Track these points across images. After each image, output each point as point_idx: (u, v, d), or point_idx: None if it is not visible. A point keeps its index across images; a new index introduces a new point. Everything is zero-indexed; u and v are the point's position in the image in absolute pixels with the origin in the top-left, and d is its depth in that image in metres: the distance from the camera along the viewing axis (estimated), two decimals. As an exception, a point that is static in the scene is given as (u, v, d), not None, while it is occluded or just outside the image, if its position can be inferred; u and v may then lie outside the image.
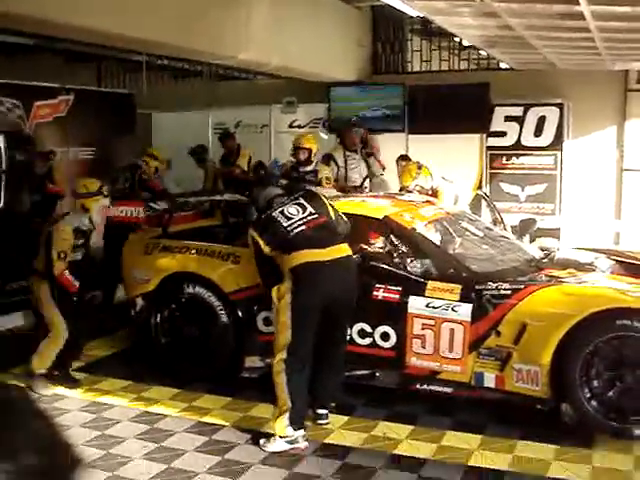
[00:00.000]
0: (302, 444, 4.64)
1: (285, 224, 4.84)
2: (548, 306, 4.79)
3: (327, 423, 4.98)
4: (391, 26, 11.42)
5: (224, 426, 4.99)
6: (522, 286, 4.98)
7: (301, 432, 4.67)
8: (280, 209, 4.92)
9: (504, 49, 8.44)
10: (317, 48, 9.46)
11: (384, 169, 9.60)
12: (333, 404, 5.10)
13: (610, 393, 4.66)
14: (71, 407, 5.30)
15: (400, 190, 8.09)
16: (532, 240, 8.21)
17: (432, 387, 5.18)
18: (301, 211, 4.92)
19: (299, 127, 11.61)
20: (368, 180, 9.40)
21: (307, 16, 9.07)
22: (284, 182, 7.71)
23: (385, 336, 5.26)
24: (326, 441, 4.75)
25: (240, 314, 5.65)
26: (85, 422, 5.04)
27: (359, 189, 9.06)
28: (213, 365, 5.74)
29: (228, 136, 10.60)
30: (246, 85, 12.52)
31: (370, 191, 8.97)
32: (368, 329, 5.30)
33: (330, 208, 5.06)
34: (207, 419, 5.11)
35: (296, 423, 4.65)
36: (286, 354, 4.68)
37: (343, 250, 4.94)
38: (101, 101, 9.38)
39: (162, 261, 6.03)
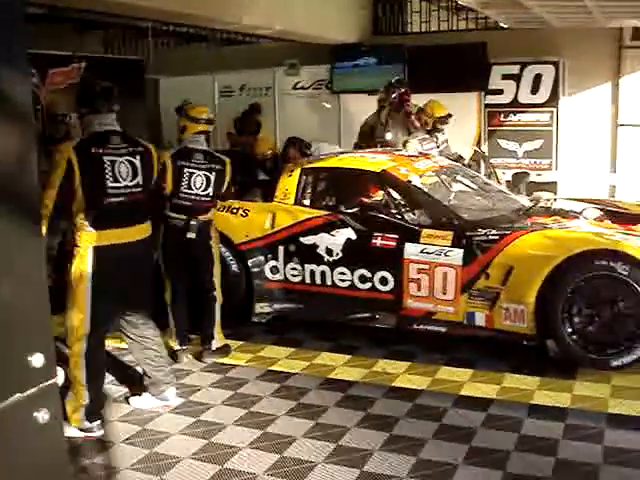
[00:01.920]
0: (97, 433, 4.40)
1: None
2: (532, 249, 5.18)
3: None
4: (390, -12, 11.65)
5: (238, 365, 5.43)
6: (509, 232, 5.37)
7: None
8: None
9: (498, 9, 8.72)
10: (318, 11, 9.70)
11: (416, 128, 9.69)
12: None
13: (590, 328, 5.06)
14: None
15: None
16: (529, 193, 8.57)
17: (428, 327, 5.60)
18: None
19: (303, 89, 11.94)
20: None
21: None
22: None
23: (383, 280, 5.66)
24: (330, 376, 5.18)
25: (249, 263, 6.06)
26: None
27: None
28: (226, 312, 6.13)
29: (258, 109, 10.67)
30: (250, 49, 12.79)
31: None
32: (368, 274, 5.71)
33: None
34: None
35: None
36: None
37: None
38: (111, 67, 9.68)
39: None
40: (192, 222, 5.38)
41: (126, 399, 4.83)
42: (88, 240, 4.23)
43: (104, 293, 4.26)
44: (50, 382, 1.80)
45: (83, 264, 4.22)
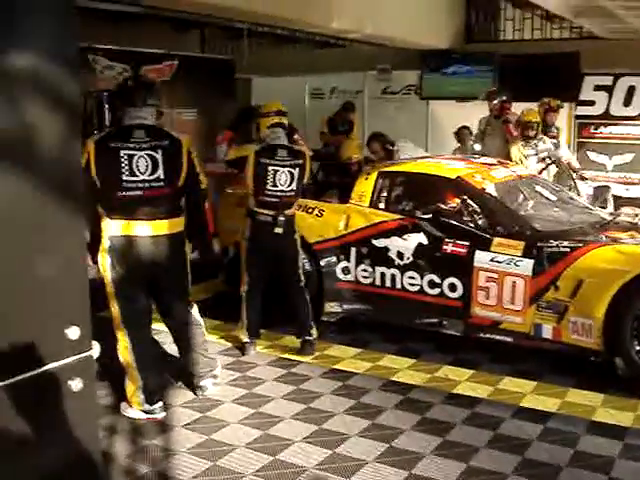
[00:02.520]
0: (159, 415, 4.55)
1: None
2: (603, 263, 5.10)
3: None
4: (485, -6, 11.59)
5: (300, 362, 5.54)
6: (581, 244, 5.29)
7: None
8: None
9: (591, 18, 8.59)
10: (409, 16, 9.72)
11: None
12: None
13: (659, 347, 4.95)
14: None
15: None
16: (616, 208, 8.42)
17: (494, 336, 5.58)
18: None
19: (392, 93, 12.01)
20: None
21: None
22: None
23: (452, 287, 5.68)
24: (392, 378, 5.22)
25: (322, 263, 6.16)
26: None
27: None
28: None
29: (352, 107, 10.72)
30: (342, 52, 12.88)
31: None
32: (437, 280, 5.73)
33: None
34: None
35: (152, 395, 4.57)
36: None
37: None
38: (203, 66, 9.95)
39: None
40: (280, 218, 5.50)
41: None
42: (106, 230, 4.35)
43: (126, 283, 4.37)
44: (85, 354, 1.94)
45: (103, 254, 4.36)
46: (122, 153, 4.27)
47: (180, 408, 4.69)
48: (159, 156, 4.36)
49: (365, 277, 6.09)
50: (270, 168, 5.50)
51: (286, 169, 5.52)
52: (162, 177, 4.37)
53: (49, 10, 1.88)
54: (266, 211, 5.53)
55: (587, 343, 5.16)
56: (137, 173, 4.30)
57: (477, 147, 9.14)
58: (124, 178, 4.28)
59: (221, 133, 5.80)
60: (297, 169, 5.57)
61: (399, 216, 6.06)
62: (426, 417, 4.59)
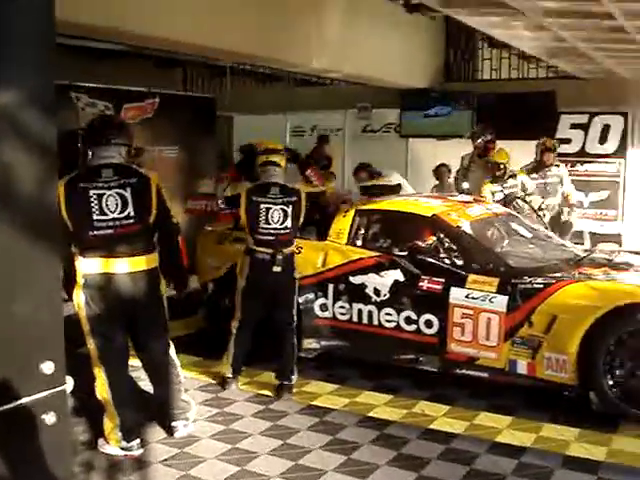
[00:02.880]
0: (137, 452, 4.56)
1: None
2: (576, 299, 5.20)
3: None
4: (463, 35, 11.79)
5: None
6: (554, 281, 5.40)
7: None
8: None
9: (565, 59, 8.79)
10: (388, 56, 9.89)
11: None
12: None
13: (631, 382, 5.02)
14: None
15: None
16: (593, 244, 8.57)
17: (470, 372, 5.64)
18: None
19: (372, 131, 12.17)
20: None
21: (379, 25, 9.45)
22: None
23: (429, 323, 5.75)
24: (369, 414, 5.25)
25: (300, 300, 6.21)
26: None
27: None
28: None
29: (327, 140, 10.99)
30: (322, 90, 13.07)
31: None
32: (413, 316, 5.80)
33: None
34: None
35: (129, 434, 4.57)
36: None
37: None
38: (184, 104, 10.04)
39: (232, 250, 6.61)
40: (278, 256, 5.53)
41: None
42: (80, 268, 4.37)
43: (102, 321, 4.39)
44: (59, 389, 1.99)
45: (77, 292, 4.38)
46: (91, 193, 4.31)
47: (158, 444, 4.70)
48: (128, 194, 4.40)
49: (342, 314, 6.15)
50: (262, 206, 5.54)
51: (279, 207, 5.56)
52: (132, 214, 4.40)
53: (27, 46, 1.94)
54: (264, 249, 5.55)
55: (561, 378, 5.24)
56: (107, 212, 4.34)
57: (465, 185, 9.30)
58: (94, 218, 4.32)
59: (225, 171, 5.88)
60: (290, 207, 5.60)
61: (376, 253, 6.14)
62: (402, 453, 4.63)
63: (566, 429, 4.98)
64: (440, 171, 10.03)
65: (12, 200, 1.91)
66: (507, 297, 5.43)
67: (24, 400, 1.91)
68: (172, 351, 4.80)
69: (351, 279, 6.09)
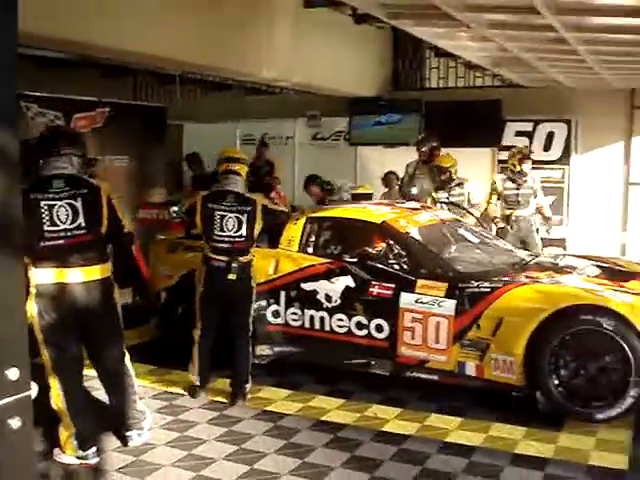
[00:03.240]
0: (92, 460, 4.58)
1: None
2: (522, 302, 5.36)
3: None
4: (411, 44, 11.94)
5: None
6: (500, 285, 5.55)
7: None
8: None
9: (510, 68, 8.99)
10: (338, 66, 9.99)
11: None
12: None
13: (576, 381, 5.19)
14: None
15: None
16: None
17: (421, 375, 5.77)
18: None
19: (322, 139, 12.29)
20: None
21: (329, 35, 9.55)
22: None
23: (379, 328, 5.86)
24: (322, 418, 5.34)
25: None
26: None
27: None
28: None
29: (266, 145, 11.21)
30: (272, 99, 13.13)
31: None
32: (364, 321, 5.91)
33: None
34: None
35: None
36: None
37: None
38: (134, 113, 10.02)
39: (184, 259, 6.67)
40: (233, 264, 5.56)
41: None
42: (32, 278, 4.36)
43: (56, 331, 4.39)
44: (24, 394, 2.04)
45: (30, 302, 4.35)
46: (42, 204, 4.33)
47: (114, 452, 4.73)
48: (79, 204, 4.42)
49: (295, 320, 6.22)
50: (217, 213, 5.59)
51: (233, 214, 5.59)
52: (83, 225, 4.42)
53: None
54: (220, 257, 5.59)
55: (509, 379, 5.39)
56: (58, 223, 4.35)
57: (414, 191, 9.47)
58: (45, 228, 4.33)
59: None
60: (245, 215, 5.62)
61: (327, 260, 6.23)
62: (356, 455, 4.73)
63: (514, 428, 5.13)
64: (388, 178, 10.20)
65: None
66: (455, 301, 5.57)
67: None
68: (127, 360, 4.82)
69: (303, 286, 6.17)
